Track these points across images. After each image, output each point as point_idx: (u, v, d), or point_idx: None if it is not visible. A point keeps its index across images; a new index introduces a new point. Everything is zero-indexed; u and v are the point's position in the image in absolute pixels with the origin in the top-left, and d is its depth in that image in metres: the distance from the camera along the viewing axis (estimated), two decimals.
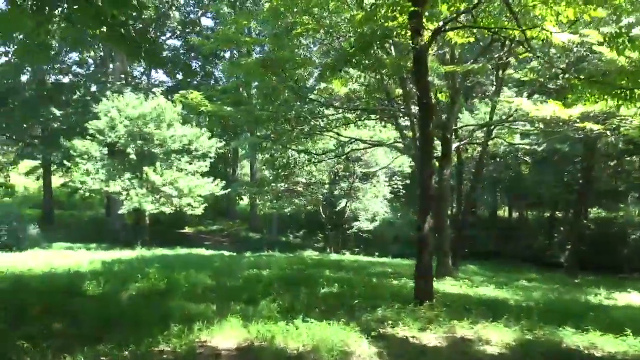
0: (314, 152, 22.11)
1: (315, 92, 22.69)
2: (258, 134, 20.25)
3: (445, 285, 12.24)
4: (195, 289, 9.33)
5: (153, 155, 24.93)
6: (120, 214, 26.78)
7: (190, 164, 25.89)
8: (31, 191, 45.33)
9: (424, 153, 9.32)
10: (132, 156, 24.35)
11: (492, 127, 18.71)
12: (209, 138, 26.80)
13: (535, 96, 20.86)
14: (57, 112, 33.20)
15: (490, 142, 20.54)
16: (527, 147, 25.42)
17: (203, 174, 26.28)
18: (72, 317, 6.73)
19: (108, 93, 26.56)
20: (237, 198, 38.44)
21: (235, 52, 34.92)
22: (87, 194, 25.03)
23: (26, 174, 39.41)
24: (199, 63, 39.00)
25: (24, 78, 37.24)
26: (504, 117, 18.31)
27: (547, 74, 17.74)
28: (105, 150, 25.00)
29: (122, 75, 34.35)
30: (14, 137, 38.54)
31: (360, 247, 32.41)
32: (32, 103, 34.75)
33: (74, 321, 6.57)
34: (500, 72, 17.84)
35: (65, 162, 26.37)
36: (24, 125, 36.03)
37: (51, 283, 9.25)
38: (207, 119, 17.21)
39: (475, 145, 22.46)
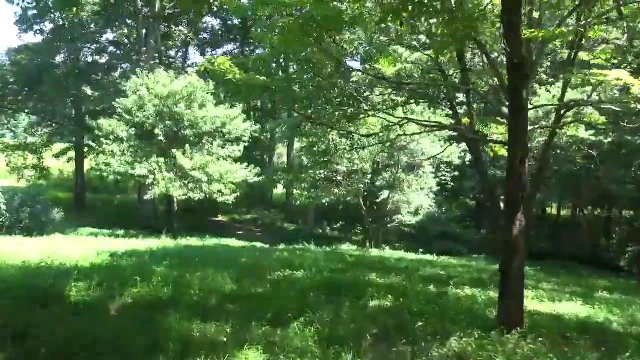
0: (357, 136, 20.08)
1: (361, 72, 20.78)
2: (296, 114, 18.30)
3: None
4: (208, 297, 7.36)
5: (183, 138, 23.15)
6: (151, 199, 25.19)
7: (223, 148, 24.06)
8: (66, 174, 44.42)
9: (517, 130, 7.18)
10: (161, 138, 22.63)
11: (564, 110, 16.13)
12: (244, 121, 24.92)
13: None
14: (89, 92, 31.84)
15: (561, 130, 17.99)
16: (593, 138, 22.82)
17: (236, 160, 24.43)
18: (26, 341, 4.80)
19: (138, 70, 24.94)
20: (273, 186, 36.52)
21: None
22: (112, 177, 23.35)
23: (56, 156, 38.20)
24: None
25: (58, 58, 36.29)
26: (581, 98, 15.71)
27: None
28: (132, 131, 23.29)
29: (156, 55, 32.75)
30: (46, 118, 37.58)
31: (401, 243, 30.36)
32: (65, 82, 33.68)
33: (27, 350, 4.64)
34: (578, 40, 15.02)
35: (91, 143, 24.87)
36: (56, 106, 34.99)
37: (29, 284, 7.34)
38: (236, 92, 15.03)
39: (543, 132, 19.87)
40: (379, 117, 17.49)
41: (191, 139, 23.20)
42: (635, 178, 26.39)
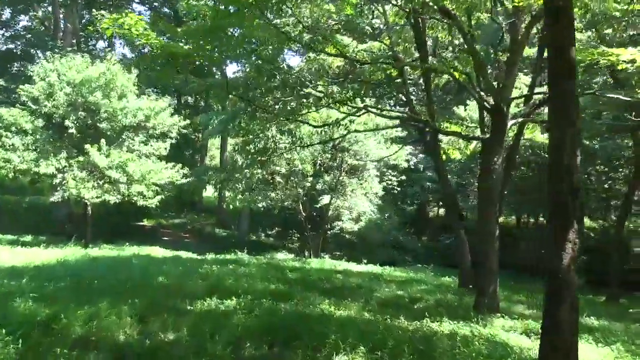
0: (299, 133, 17.91)
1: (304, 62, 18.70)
2: (229, 108, 16.00)
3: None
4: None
5: (99, 132, 20.21)
6: (66, 201, 22.06)
7: (146, 144, 21.27)
8: None
9: (561, 118, 5.11)
10: (72, 131, 19.59)
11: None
12: (171, 115, 22.19)
13: None
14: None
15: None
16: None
17: (161, 158, 21.66)
18: None
19: (48, 54, 21.85)
20: (202, 188, 33.71)
21: None
22: (11, 175, 20.11)
23: None
24: None
25: None
26: None
27: None
28: (39, 123, 20.14)
29: (74, 41, 29.51)
30: None
31: (342, 251, 28.40)
32: None
33: None
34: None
35: None
36: None
37: None
38: (152, 62, 12.44)
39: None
40: (332, 108, 15.47)
41: (108, 133, 20.27)
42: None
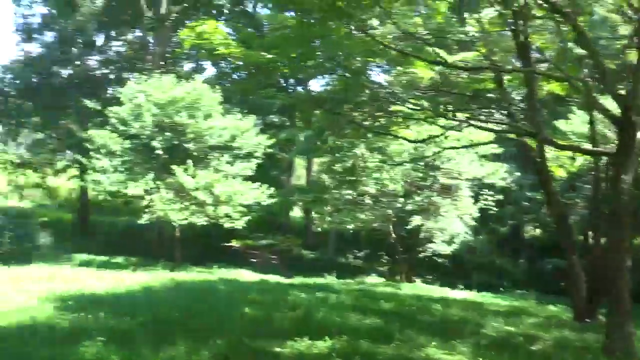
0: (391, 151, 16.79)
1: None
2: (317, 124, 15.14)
3: None
4: None
5: (185, 152, 19.94)
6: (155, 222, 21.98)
7: (232, 165, 20.77)
8: (74, 194, 41.58)
9: None
10: (159, 152, 19.43)
11: None
12: (257, 134, 21.68)
13: None
14: (90, 105, 28.96)
15: None
16: None
17: (247, 178, 21.11)
18: None
19: (135, 75, 22.01)
20: (289, 209, 33.14)
21: None
22: (102, 197, 20.22)
23: (56, 174, 35.34)
24: None
25: (58, 68, 33.83)
26: None
27: None
28: (127, 144, 20.12)
29: (162, 63, 29.85)
30: (51, 133, 34.89)
31: (434, 275, 26.93)
32: (67, 94, 31.14)
33: None
34: None
35: (79, 157, 21.83)
36: (58, 120, 32.39)
37: None
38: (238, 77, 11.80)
39: None
40: (426, 123, 14.31)
41: (195, 153, 19.99)
42: None
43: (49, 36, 33.63)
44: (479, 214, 25.50)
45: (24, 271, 15.51)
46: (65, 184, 38.87)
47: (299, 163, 40.32)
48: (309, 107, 15.02)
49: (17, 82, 33.18)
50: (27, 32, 33.92)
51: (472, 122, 13.25)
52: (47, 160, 35.07)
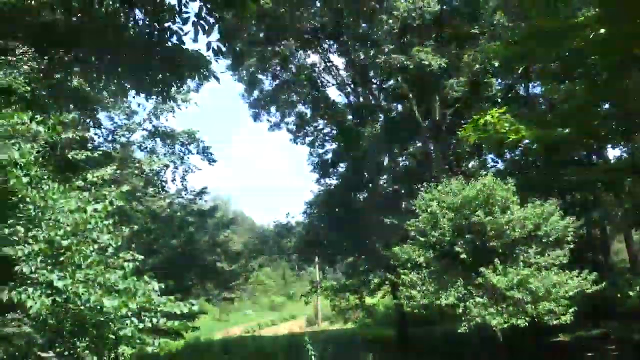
0: None
1: None
2: None
3: None
4: None
5: (489, 251, 19.08)
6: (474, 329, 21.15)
7: (542, 255, 19.20)
8: (390, 310, 43.17)
9: None
10: (463, 256, 18.92)
11: None
12: (562, 218, 19.87)
13: None
14: (388, 221, 30.30)
15: None
16: None
17: (562, 267, 19.20)
18: None
19: (425, 184, 22.31)
20: (620, 293, 29.12)
21: None
22: (416, 311, 20.17)
23: (370, 293, 37.15)
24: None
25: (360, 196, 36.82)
26: None
27: None
28: (430, 254, 20.09)
29: (446, 167, 30.12)
30: (360, 255, 37.38)
31: None
32: (366, 216, 33.25)
33: None
34: None
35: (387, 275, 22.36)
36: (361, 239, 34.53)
37: None
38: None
39: None
40: None
41: (499, 251, 18.99)
42: None
43: (342, 167, 36.90)
44: None
45: None
46: (382, 300, 40.57)
47: (618, 240, 36.03)
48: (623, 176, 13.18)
49: (323, 214, 36.66)
50: (324, 168, 37.69)
51: None
52: (361, 282, 37.14)
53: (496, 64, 24.44)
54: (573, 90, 9.83)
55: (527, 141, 9.38)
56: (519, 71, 25.63)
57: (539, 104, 28.92)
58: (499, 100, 26.00)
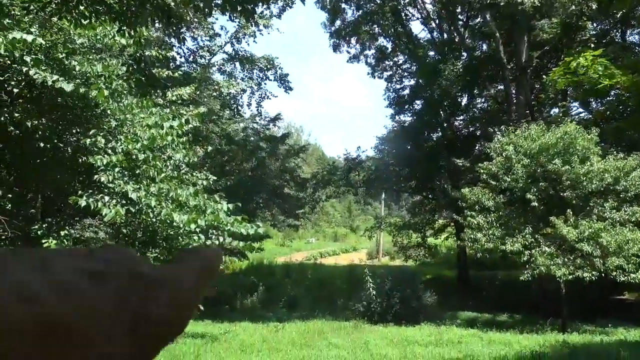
0: None
1: None
2: None
3: None
4: None
5: (563, 202, 18.56)
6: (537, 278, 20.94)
7: (618, 210, 18.50)
8: (452, 251, 43.13)
9: None
10: (534, 204, 18.47)
11: None
12: None
13: None
14: (460, 163, 29.85)
15: None
16: None
17: (639, 224, 18.48)
18: None
19: (502, 128, 21.69)
20: None
21: None
22: (479, 255, 19.98)
23: (435, 234, 37.08)
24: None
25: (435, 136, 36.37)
26: None
27: None
28: (500, 199, 19.72)
29: (527, 112, 29.04)
30: (428, 194, 37.28)
31: None
32: (439, 157, 32.90)
33: None
34: None
35: (455, 216, 22.23)
36: (431, 181, 34.33)
37: None
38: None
39: None
40: None
41: (573, 202, 18.42)
42: None
43: (418, 104, 36.22)
44: None
45: (413, 332, 16.15)
46: (445, 242, 40.46)
47: None
48: None
49: (394, 151, 36.44)
50: (400, 104, 37.13)
51: None
52: (426, 221, 37.06)
53: (594, 6, 22.92)
54: None
55: (619, 90, 8.74)
56: (618, 15, 24.01)
57: (636, 52, 27.09)
58: (593, 45, 24.48)
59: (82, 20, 7.57)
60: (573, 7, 25.51)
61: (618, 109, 22.60)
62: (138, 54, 17.01)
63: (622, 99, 8.95)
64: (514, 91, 30.54)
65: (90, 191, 10.56)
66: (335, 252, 69.23)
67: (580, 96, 21.05)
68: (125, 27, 7.99)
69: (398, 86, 38.21)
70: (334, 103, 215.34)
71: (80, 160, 11.16)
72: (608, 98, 23.11)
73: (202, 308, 15.45)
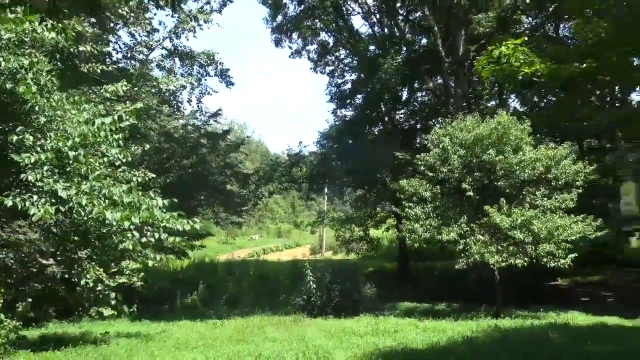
0: None
1: None
2: None
3: None
4: None
5: (496, 191, 18.96)
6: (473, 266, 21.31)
7: (549, 198, 19.01)
8: (394, 244, 43.60)
9: None
10: (470, 193, 18.80)
11: None
12: (574, 162, 19.54)
13: None
14: (400, 155, 30.21)
15: None
16: None
17: (569, 211, 19.03)
18: None
19: (439, 120, 22.01)
20: (622, 241, 29.04)
21: None
22: (417, 245, 20.19)
23: (375, 226, 37.42)
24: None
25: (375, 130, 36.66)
26: None
27: None
28: (437, 190, 19.99)
29: (464, 104, 29.60)
30: (369, 188, 37.47)
31: None
32: (379, 150, 33.10)
33: None
34: None
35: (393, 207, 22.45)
36: (370, 174, 34.54)
37: None
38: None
39: None
40: None
41: (507, 191, 18.84)
42: None
43: (359, 99, 36.41)
44: None
45: (352, 323, 16.20)
46: (387, 235, 40.89)
47: (628, 187, 35.52)
48: None
49: (336, 145, 36.53)
50: (341, 99, 37.24)
51: None
52: (368, 214, 37.31)
53: (528, 0, 23.51)
54: (600, 27, 9.34)
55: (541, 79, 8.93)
56: (550, 9, 24.67)
57: (566, 45, 27.95)
58: (526, 38, 25.13)
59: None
60: (508, 0, 26.13)
61: (544, 99, 23.25)
62: (71, 50, 16.44)
63: (542, 88, 9.10)
64: (452, 84, 31.10)
65: (18, 190, 10.10)
66: (278, 248, 69.23)
67: (508, 87, 21.55)
68: (48, 18, 7.61)
69: (340, 81, 38.38)
70: (279, 99, 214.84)
71: (7, 158, 10.64)
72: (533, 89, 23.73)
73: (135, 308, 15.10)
